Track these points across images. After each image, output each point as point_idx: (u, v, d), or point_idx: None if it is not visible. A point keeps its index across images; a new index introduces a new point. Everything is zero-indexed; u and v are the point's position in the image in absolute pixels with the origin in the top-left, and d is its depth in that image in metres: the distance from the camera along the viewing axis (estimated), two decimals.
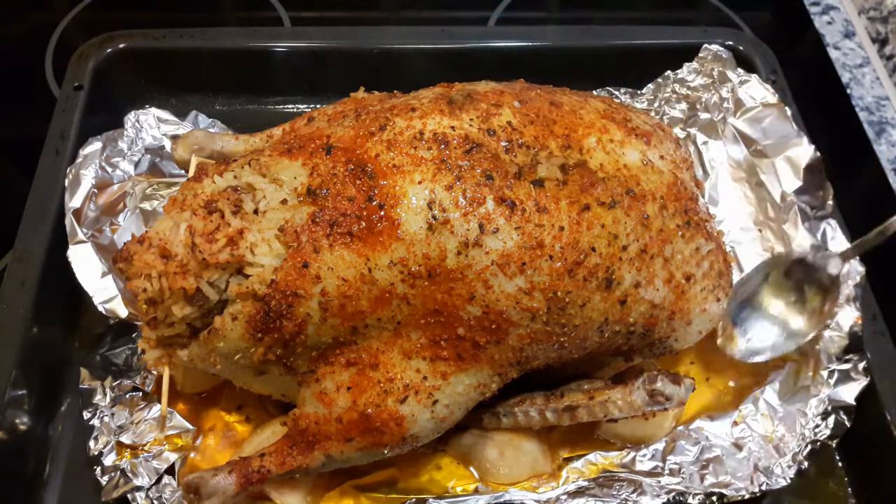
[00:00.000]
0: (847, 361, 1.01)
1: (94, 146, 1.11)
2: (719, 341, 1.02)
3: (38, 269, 1.02)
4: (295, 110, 1.37)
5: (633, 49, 1.34)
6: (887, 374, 1.00)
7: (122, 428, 0.96)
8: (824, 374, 1.00)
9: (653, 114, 1.25)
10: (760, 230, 1.15)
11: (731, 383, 1.06)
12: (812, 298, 1.02)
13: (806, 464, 0.96)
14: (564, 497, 0.94)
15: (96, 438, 0.96)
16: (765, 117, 1.16)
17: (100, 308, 0.99)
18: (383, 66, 1.31)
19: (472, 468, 0.98)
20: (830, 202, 1.10)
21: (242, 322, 0.81)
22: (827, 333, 1.02)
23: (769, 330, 1.02)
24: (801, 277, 1.03)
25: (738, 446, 0.97)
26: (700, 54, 1.24)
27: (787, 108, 1.16)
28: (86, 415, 0.98)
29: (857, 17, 1.53)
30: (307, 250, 0.80)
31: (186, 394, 1.01)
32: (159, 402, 0.96)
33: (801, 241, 1.09)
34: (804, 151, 1.12)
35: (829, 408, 0.99)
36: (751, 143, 1.16)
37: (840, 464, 1.03)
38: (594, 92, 1.25)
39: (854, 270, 1.04)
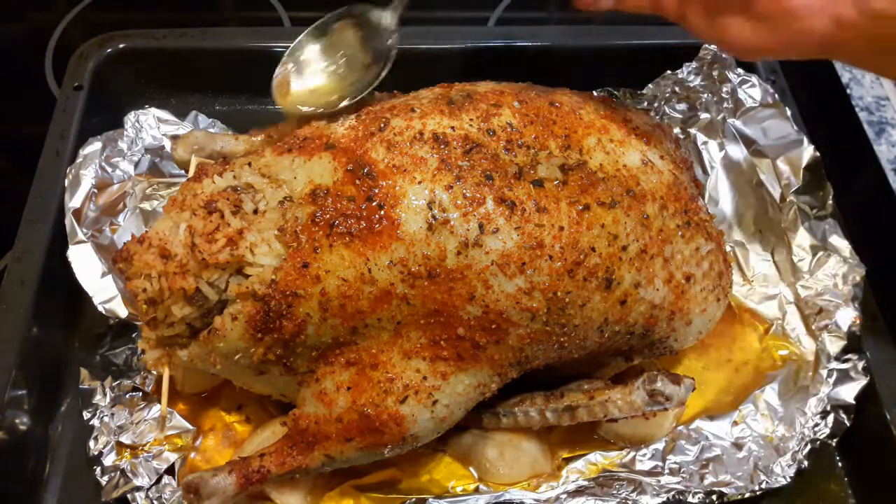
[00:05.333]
0: (846, 361, 1.01)
1: (94, 146, 1.11)
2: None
3: (38, 269, 1.02)
4: None
5: (633, 49, 1.34)
6: (887, 374, 1.00)
7: (122, 428, 0.96)
8: (823, 373, 1.00)
9: (653, 114, 1.25)
10: (760, 230, 1.15)
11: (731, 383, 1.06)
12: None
13: (806, 463, 0.96)
14: (564, 496, 0.94)
15: (96, 438, 0.96)
16: (764, 117, 1.16)
17: (100, 308, 0.99)
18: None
19: (471, 468, 0.98)
20: (830, 202, 1.10)
21: (242, 322, 0.81)
22: (826, 334, 1.02)
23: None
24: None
25: (738, 446, 0.97)
26: (700, 54, 1.24)
27: (786, 108, 1.16)
28: (86, 415, 0.98)
29: None
30: (307, 250, 0.80)
31: (186, 394, 1.01)
32: (159, 402, 0.96)
33: (801, 241, 1.09)
34: (804, 151, 1.12)
35: (829, 407, 0.99)
36: (750, 143, 1.16)
37: (840, 464, 1.03)
38: (594, 92, 1.25)
39: (854, 270, 1.04)
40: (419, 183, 0.81)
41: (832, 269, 1.06)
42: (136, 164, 1.14)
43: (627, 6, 0.86)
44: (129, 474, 0.93)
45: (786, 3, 0.75)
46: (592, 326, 0.86)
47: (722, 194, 1.18)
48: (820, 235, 1.09)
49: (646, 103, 1.27)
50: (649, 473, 0.96)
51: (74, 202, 1.05)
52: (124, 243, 0.85)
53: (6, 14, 1.53)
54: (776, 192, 1.13)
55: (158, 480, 0.93)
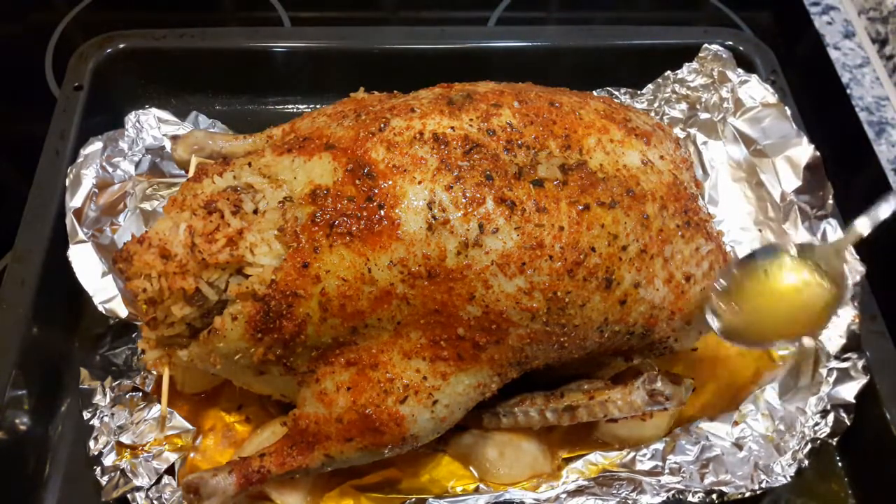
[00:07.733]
0: (846, 360, 1.01)
1: (95, 146, 1.11)
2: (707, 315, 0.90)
3: (38, 269, 1.02)
4: (295, 110, 1.37)
5: (632, 49, 1.34)
6: (887, 373, 1.00)
7: (122, 428, 0.96)
8: (823, 372, 1.00)
9: (653, 114, 1.25)
10: (760, 230, 1.15)
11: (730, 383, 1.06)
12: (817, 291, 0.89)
13: (806, 462, 0.96)
14: (564, 496, 0.94)
15: (96, 438, 0.96)
16: (764, 117, 1.16)
17: (100, 308, 0.99)
18: (383, 66, 1.31)
19: (472, 468, 0.98)
20: (830, 202, 1.10)
21: (242, 322, 0.81)
22: (825, 333, 1.02)
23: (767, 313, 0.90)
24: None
25: (739, 446, 0.97)
26: (700, 54, 1.24)
27: (786, 108, 1.16)
28: (86, 415, 0.98)
29: (857, 17, 1.53)
30: (307, 250, 0.80)
31: (186, 394, 1.01)
32: (159, 402, 0.96)
33: (801, 240, 1.09)
34: (804, 151, 1.12)
35: (829, 406, 0.99)
36: (750, 142, 1.17)
37: (840, 463, 1.03)
38: (594, 92, 1.25)
39: (854, 270, 1.04)
40: (419, 183, 0.81)
41: None
42: (137, 164, 1.14)
43: None
44: (129, 474, 0.93)
45: None
46: (592, 326, 0.86)
47: (722, 194, 1.18)
48: (820, 235, 1.08)
49: (646, 103, 1.27)
50: (649, 473, 0.96)
51: (75, 202, 1.05)
52: (124, 243, 0.85)
53: (6, 14, 1.53)
54: (776, 192, 1.13)
55: (158, 480, 0.93)
